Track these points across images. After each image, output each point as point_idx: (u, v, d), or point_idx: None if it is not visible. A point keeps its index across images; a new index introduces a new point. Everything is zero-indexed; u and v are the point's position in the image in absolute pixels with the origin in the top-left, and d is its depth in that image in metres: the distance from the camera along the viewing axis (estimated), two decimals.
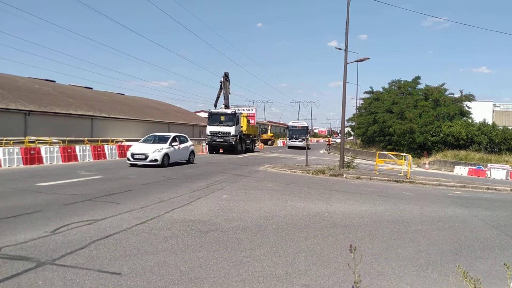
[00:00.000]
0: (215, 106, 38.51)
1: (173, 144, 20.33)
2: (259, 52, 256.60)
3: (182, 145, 21.29)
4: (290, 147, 53.14)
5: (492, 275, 5.64)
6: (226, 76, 38.49)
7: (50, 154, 19.85)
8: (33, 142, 23.04)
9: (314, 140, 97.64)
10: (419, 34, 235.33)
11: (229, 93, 39.07)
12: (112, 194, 10.45)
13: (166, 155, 19.42)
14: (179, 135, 22.03)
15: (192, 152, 22.57)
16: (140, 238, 6.32)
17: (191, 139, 24.44)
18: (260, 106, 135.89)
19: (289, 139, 54.86)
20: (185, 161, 21.71)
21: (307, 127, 55.52)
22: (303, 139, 47.95)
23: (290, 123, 57.01)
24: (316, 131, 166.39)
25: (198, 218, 8.05)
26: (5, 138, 22.44)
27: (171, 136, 20.78)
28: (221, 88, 38.76)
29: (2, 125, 26.52)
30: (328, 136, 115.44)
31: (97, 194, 10.38)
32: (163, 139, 20.52)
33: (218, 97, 39.20)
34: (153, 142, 20.08)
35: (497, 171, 27.69)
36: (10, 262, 4.89)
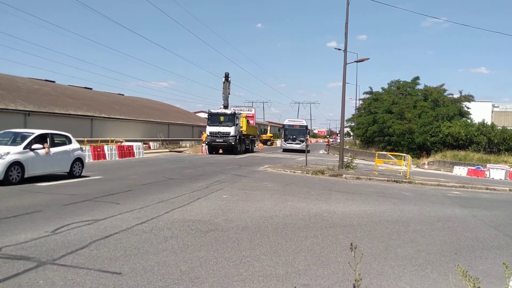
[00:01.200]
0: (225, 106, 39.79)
1: (35, 147, 12.48)
2: (258, 52, 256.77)
3: (56, 149, 13.34)
4: (286, 150, 44.56)
5: (492, 275, 5.66)
6: (226, 76, 38.54)
7: None
8: None
9: (313, 140, 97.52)
10: (419, 34, 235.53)
11: (229, 94, 39.10)
12: (112, 194, 10.46)
13: (16, 165, 11.82)
14: (52, 133, 13.77)
15: (79, 159, 14.47)
16: (141, 238, 6.33)
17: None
18: (260, 107, 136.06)
19: (285, 141, 45.39)
20: (65, 173, 13.89)
21: (306, 127, 46.20)
22: (302, 141, 41.03)
23: (286, 122, 46.74)
24: (315, 131, 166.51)
25: (198, 218, 8.06)
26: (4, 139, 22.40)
27: (33, 134, 12.84)
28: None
29: (2, 126, 26.34)
30: (327, 136, 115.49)
31: (97, 194, 10.39)
32: (17, 138, 12.81)
33: (225, 96, 39.95)
34: (4, 144, 12.47)
35: (496, 171, 27.72)
36: (10, 262, 4.90)
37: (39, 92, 35.49)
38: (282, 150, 44.93)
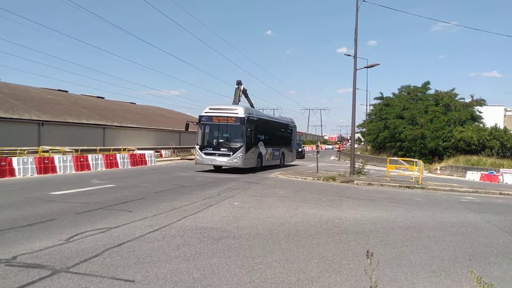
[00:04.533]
0: None
1: None
2: (268, 59, 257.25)
3: None
4: (206, 164, 22.17)
5: (506, 280, 5.61)
6: (238, 84, 38.65)
7: (64, 163, 20.06)
8: (46, 151, 23.33)
9: (323, 147, 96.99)
10: (429, 39, 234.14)
11: (239, 100, 39.19)
12: (125, 202, 10.54)
13: None
14: None
15: None
16: (153, 246, 6.37)
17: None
18: (270, 113, 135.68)
19: (200, 149, 21.74)
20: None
21: (244, 120, 20.94)
22: (235, 149, 20.82)
23: (204, 112, 22.07)
24: (326, 137, 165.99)
25: (210, 226, 8.09)
26: (19, 148, 22.72)
27: None
28: (246, 96, 39.13)
29: (17, 135, 26.85)
30: (338, 142, 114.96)
31: (110, 202, 10.48)
32: None
33: (251, 105, 40.15)
34: None
35: (509, 176, 27.41)
36: (25, 270, 4.97)
37: (53, 102, 35.94)
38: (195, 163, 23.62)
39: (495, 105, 59.27)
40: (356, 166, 23.14)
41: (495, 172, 28.59)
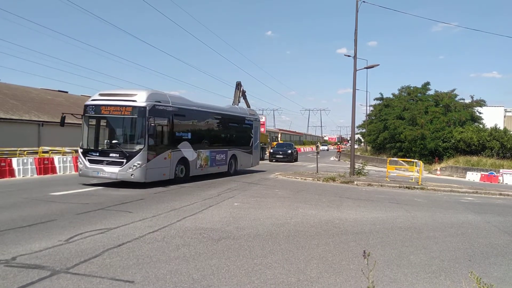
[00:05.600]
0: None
1: None
2: (268, 60, 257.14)
3: None
4: (87, 175, 14.65)
5: (506, 281, 5.61)
6: (237, 85, 38.65)
7: (64, 164, 20.04)
8: (46, 152, 23.31)
9: (324, 147, 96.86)
10: (429, 39, 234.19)
11: (239, 102, 39.20)
12: (125, 203, 10.54)
13: None
14: None
15: None
16: (153, 246, 6.37)
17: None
18: (270, 114, 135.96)
19: (83, 154, 14.43)
20: None
21: (144, 111, 13.80)
22: (127, 155, 13.79)
23: (92, 100, 14.93)
24: (326, 138, 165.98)
25: (209, 226, 8.09)
26: (19, 149, 22.71)
27: None
28: (244, 97, 39.27)
29: (17, 136, 26.84)
30: (338, 143, 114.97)
31: (109, 203, 10.48)
32: None
33: (248, 107, 40.39)
34: None
35: (509, 177, 27.36)
36: (25, 271, 4.96)
37: (53, 102, 35.96)
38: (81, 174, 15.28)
39: (495, 106, 59.29)
40: (356, 166, 23.15)
41: (495, 173, 28.56)
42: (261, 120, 65.67)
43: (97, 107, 14.44)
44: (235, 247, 6.58)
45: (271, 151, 38.72)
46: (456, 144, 38.54)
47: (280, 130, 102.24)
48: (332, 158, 53.15)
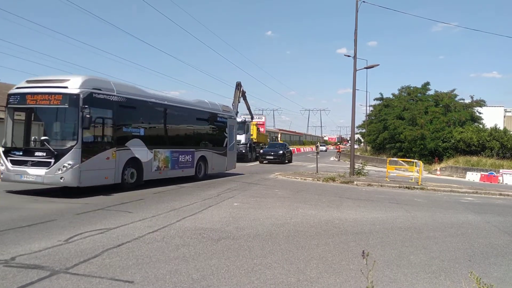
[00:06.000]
0: (251, 116, 40.09)
1: None
2: (268, 60, 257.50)
3: None
4: (9, 180, 11.94)
5: (506, 282, 5.60)
6: (237, 85, 38.67)
7: None
8: None
9: (322, 148, 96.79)
10: (429, 39, 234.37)
11: (239, 102, 39.21)
12: (125, 203, 10.53)
13: None
14: None
15: None
16: (152, 247, 6.36)
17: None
18: (270, 114, 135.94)
19: (5, 155, 11.87)
20: None
21: (77, 98, 11.33)
22: (62, 153, 11.24)
23: (16, 87, 12.42)
24: (326, 138, 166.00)
25: (209, 226, 8.08)
26: None
27: None
28: (244, 98, 39.43)
29: None
30: (338, 143, 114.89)
31: (109, 203, 10.47)
32: None
33: (248, 108, 41.37)
34: None
35: (509, 177, 27.36)
36: (24, 271, 4.95)
37: None
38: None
39: (495, 106, 59.31)
40: (356, 166, 23.15)
41: (495, 173, 28.55)
42: (261, 120, 64.94)
43: (22, 96, 11.86)
44: (235, 247, 6.58)
45: (261, 151, 35.48)
46: (456, 144, 38.55)
47: (280, 130, 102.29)
48: (332, 158, 53.16)
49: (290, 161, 36.45)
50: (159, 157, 14.90)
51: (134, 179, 13.64)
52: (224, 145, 20.00)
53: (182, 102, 17.16)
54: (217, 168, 19.37)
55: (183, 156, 16.60)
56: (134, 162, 13.56)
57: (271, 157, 33.62)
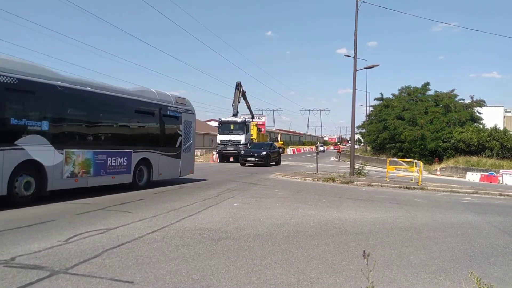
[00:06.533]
0: (252, 116, 40.24)
1: None
2: (268, 60, 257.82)
3: None
4: None
5: (506, 282, 5.59)
6: (237, 85, 38.71)
7: None
8: None
9: (320, 148, 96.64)
10: (429, 40, 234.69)
11: (239, 102, 39.24)
12: (124, 203, 10.53)
13: None
14: None
15: None
16: (152, 247, 6.36)
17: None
18: (270, 114, 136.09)
19: None
20: None
21: None
22: None
23: None
24: (326, 138, 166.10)
25: (209, 227, 8.07)
26: None
27: None
28: (244, 98, 39.57)
29: None
30: (338, 143, 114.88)
31: (109, 203, 10.47)
32: None
33: (248, 107, 41.29)
34: None
35: (509, 177, 27.35)
36: (24, 271, 4.95)
37: None
38: None
39: (494, 106, 59.31)
40: (356, 167, 23.14)
41: (495, 173, 28.55)
42: (261, 120, 64.63)
43: None
44: (235, 248, 6.57)
45: (242, 152, 31.27)
46: (456, 145, 38.56)
47: (280, 130, 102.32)
48: (332, 159, 53.18)
49: (278, 163, 32.81)
50: (75, 159, 11.34)
51: (32, 190, 10.16)
52: (177, 145, 16.26)
53: (113, 90, 13.20)
54: (166, 174, 15.71)
55: (114, 158, 12.88)
56: (31, 167, 10.15)
57: (253, 159, 29.50)
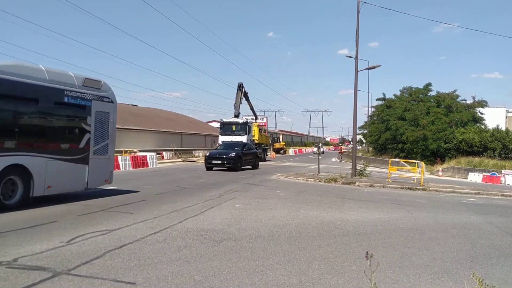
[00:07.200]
0: (255, 117, 40.23)
1: None
2: (269, 61, 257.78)
3: None
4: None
5: (508, 282, 5.58)
6: (239, 86, 38.75)
7: None
8: None
9: (326, 148, 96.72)
10: (431, 40, 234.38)
11: (241, 103, 39.25)
12: (126, 204, 10.54)
13: None
14: None
15: None
16: (154, 248, 6.36)
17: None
18: (272, 115, 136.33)
19: None
20: None
21: None
22: None
23: None
24: (327, 139, 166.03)
25: (211, 227, 8.08)
26: None
27: None
28: (246, 98, 39.65)
29: None
30: (340, 144, 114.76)
31: (111, 204, 10.48)
32: None
33: (251, 108, 41.84)
34: None
35: (511, 178, 27.32)
36: (26, 272, 4.96)
37: None
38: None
39: (496, 107, 59.14)
40: (357, 167, 23.12)
41: (497, 174, 28.50)
42: (262, 121, 64.57)
43: None
44: (237, 249, 6.57)
45: (207, 154, 27.17)
46: (458, 145, 38.50)
47: (281, 131, 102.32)
48: (333, 159, 53.13)
49: (255, 167, 27.15)
50: None
51: None
52: (82, 145, 11.47)
53: None
54: (61, 186, 10.94)
55: None
56: None
57: (219, 162, 24.50)
